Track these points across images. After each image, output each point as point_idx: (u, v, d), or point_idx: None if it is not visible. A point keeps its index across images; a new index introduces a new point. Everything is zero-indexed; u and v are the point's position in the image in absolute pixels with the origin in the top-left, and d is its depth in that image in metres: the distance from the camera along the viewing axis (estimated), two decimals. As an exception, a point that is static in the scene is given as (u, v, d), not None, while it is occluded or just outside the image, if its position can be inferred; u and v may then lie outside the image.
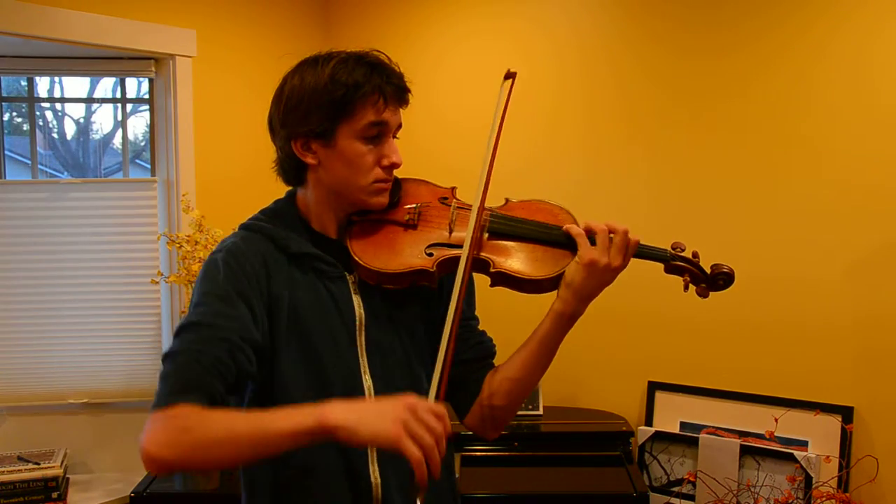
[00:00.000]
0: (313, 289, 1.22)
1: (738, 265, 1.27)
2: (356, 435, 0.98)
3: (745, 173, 2.42)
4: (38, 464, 2.45)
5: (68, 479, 2.57)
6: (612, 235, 1.21)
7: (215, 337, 1.11)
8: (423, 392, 1.26)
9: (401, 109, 1.25)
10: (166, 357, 1.12)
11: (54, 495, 2.41)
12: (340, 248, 1.26)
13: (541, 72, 2.73)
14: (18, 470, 2.40)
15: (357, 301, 1.25)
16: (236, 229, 1.29)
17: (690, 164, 2.51)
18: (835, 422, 2.21)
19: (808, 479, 2.17)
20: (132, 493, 2.29)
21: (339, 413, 1.00)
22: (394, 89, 1.21)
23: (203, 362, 1.08)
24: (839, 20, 2.25)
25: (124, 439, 2.73)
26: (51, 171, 3.36)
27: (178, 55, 2.69)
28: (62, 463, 2.50)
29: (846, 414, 2.21)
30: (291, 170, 1.26)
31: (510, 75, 1.30)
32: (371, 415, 0.99)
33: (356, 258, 1.23)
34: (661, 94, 2.55)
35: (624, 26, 2.62)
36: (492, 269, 1.23)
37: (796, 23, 2.32)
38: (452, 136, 2.84)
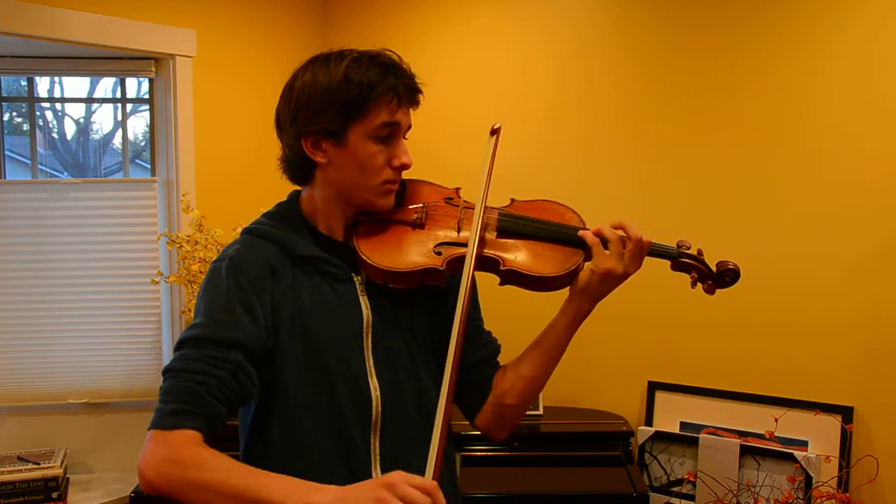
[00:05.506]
0: (319, 292, 1.21)
1: (738, 265, 1.27)
2: None
3: (746, 173, 2.41)
4: (38, 464, 2.45)
5: (68, 479, 2.57)
6: (624, 240, 1.20)
7: (220, 357, 1.11)
8: (429, 395, 1.27)
9: (411, 110, 1.25)
10: (168, 371, 1.11)
11: (54, 495, 2.41)
12: (347, 249, 1.26)
13: (541, 71, 2.72)
14: (18, 470, 2.40)
15: (364, 302, 1.24)
16: (238, 233, 1.28)
17: (690, 163, 2.51)
18: (835, 422, 2.21)
19: (808, 479, 2.17)
20: (132, 493, 2.29)
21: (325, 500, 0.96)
22: (406, 90, 1.21)
23: (207, 384, 1.08)
24: (839, 20, 2.25)
25: (124, 439, 2.74)
26: (51, 171, 3.37)
27: (178, 55, 2.69)
28: (62, 463, 2.50)
29: (846, 414, 2.21)
30: (299, 168, 1.25)
31: (495, 131, 1.31)
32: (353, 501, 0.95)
33: (364, 257, 1.22)
34: (662, 94, 2.55)
35: (624, 25, 2.61)
36: (501, 268, 1.22)
37: (796, 22, 2.32)
38: (451, 137, 2.83)
